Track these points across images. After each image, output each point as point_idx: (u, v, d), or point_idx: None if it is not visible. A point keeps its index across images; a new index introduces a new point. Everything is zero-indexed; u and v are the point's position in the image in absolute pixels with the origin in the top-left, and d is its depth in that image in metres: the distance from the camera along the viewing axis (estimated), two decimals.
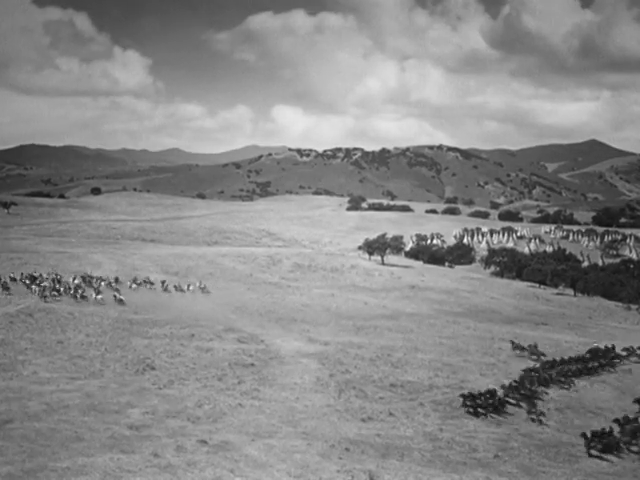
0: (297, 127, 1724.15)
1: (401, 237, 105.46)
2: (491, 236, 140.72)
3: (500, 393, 32.52)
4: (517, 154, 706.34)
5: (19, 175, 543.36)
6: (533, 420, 30.67)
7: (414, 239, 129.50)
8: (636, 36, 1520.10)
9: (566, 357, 40.98)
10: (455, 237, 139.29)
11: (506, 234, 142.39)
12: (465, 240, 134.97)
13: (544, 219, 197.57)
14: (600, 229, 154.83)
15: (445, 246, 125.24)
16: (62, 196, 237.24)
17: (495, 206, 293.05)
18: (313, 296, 65.80)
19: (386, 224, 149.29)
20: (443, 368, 40.05)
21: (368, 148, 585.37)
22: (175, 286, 59.65)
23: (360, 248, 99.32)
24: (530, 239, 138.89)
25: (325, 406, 30.56)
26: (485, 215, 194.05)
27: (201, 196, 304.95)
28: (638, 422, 29.50)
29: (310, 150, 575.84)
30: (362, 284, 77.10)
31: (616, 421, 29.75)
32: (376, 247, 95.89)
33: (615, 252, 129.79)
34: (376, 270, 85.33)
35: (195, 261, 79.93)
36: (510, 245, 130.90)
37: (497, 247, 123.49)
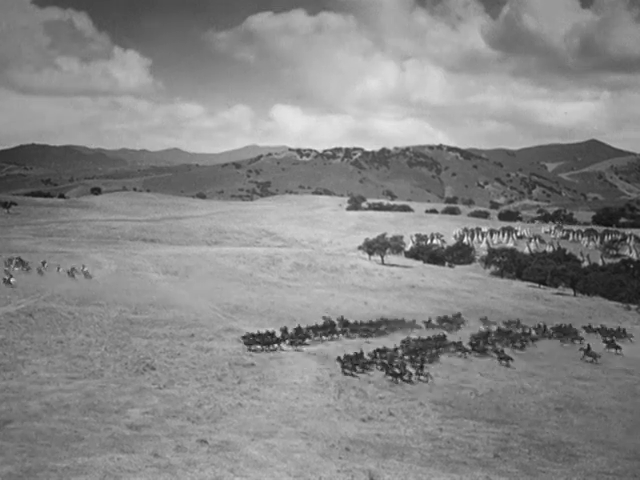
0: (297, 127, 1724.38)
1: (401, 237, 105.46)
2: (491, 236, 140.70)
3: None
4: (517, 154, 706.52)
5: (19, 175, 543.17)
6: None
7: (414, 239, 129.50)
8: (636, 36, 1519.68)
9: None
10: (455, 237, 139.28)
11: (506, 234, 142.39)
12: (465, 240, 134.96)
13: (544, 219, 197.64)
14: (600, 229, 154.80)
15: (445, 246, 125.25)
16: (62, 196, 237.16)
17: (495, 206, 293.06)
18: (313, 296, 65.78)
19: (386, 224, 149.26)
20: (443, 367, 40.02)
21: (368, 148, 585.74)
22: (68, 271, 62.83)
23: (360, 248, 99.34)
24: (530, 239, 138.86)
25: (325, 406, 30.56)
26: (485, 215, 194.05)
27: (201, 196, 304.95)
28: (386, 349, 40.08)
29: (310, 150, 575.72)
30: (362, 284, 77.09)
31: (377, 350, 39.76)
32: (376, 247, 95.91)
33: (615, 252, 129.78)
34: (376, 270, 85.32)
35: (195, 261, 79.94)
36: (510, 245, 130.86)
37: (497, 247, 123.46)
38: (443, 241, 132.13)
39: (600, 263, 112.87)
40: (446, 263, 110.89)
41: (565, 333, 52.05)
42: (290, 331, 44.34)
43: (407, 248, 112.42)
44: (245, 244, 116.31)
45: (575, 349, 47.75)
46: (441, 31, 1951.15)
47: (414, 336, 46.09)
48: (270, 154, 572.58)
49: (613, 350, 48.10)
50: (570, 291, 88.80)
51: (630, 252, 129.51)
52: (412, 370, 37.34)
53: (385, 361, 38.17)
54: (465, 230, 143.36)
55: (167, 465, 21.03)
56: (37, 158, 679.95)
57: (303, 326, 46.09)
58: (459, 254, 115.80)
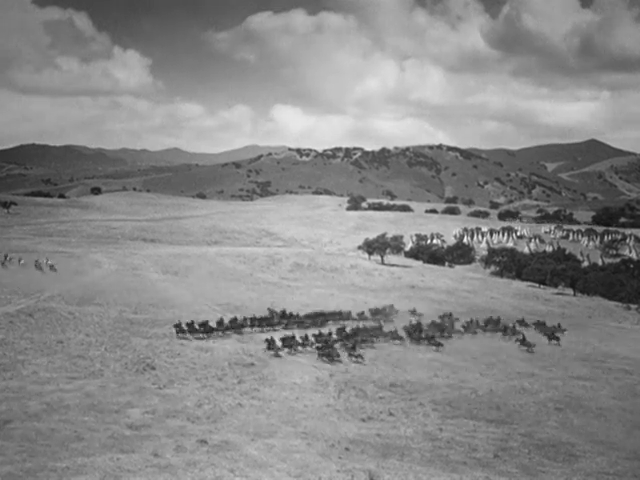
0: (297, 127, 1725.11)
1: (401, 237, 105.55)
2: (491, 236, 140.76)
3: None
4: (517, 154, 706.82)
5: (19, 175, 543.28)
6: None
7: (414, 239, 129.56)
8: (636, 36, 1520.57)
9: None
10: (455, 237, 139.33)
11: (506, 234, 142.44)
12: (465, 240, 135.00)
13: (544, 219, 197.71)
14: (600, 229, 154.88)
15: (445, 246, 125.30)
16: (62, 196, 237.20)
17: (495, 206, 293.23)
18: (313, 296, 65.77)
19: (386, 224, 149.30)
20: (443, 368, 40.07)
21: (368, 148, 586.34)
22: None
23: (360, 248, 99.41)
24: (530, 239, 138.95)
25: (325, 406, 30.57)
26: (485, 215, 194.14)
27: (201, 196, 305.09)
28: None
29: (310, 150, 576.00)
30: (362, 284, 77.10)
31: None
32: (376, 247, 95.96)
33: (615, 252, 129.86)
34: (376, 270, 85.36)
35: (195, 261, 79.99)
36: (510, 245, 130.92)
37: (497, 247, 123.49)
38: (443, 241, 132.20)
39: (600, 263, 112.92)
40: (446, 263, 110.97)
41: (495, 325, 54.56)
42: (226, 322, 45.94)
43: (407, 248, 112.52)
44: (245, 244, 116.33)
45: (509, 340, 50.01)
46: (441, 31, 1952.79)
47: (353, 326, 48.54)
48: (270, 154, 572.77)
49: (554, 341, 50.31)
50: (570, 291, 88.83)
51: (630, 252, 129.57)
52: (345, 352, 40.33)
53: (318, 344, 41.07)
54: (465, 230, 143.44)
55: (167, 465, 21.04)
56: (37, 158, 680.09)
57: (240, 317, 47.30)
58: (459, 254, 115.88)
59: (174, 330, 42.54)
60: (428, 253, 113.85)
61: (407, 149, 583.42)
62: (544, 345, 49.36)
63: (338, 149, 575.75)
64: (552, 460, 25.91)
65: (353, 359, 39.64)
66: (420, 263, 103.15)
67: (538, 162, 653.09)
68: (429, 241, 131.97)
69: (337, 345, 41.72)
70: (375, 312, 54.65)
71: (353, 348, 40.77)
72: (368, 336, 45.29)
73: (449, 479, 22.68)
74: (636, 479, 24.71)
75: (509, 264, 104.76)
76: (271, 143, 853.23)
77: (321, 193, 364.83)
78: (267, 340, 40.32)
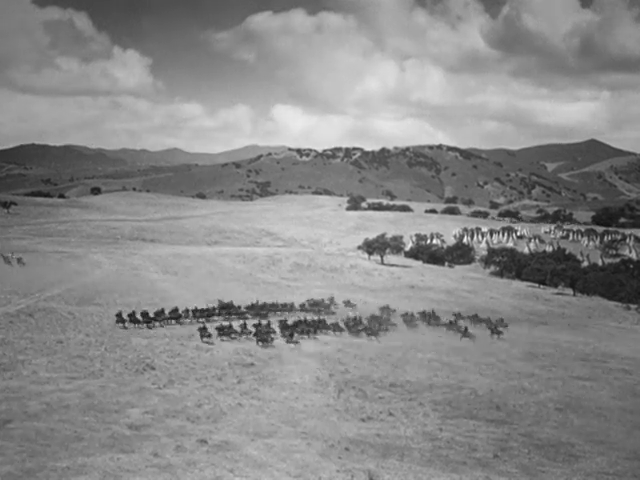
0: (297, 127, 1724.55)
1: (401, 237, 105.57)
2: (491, 236, 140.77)
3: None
4: (517, 154, 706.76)
5: (19, 175, 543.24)
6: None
7: (414, 239, 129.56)
8: (636, 36, 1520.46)
9: None
10: (455, 237, 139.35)
11: (506, 234, 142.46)
12: (465, 240, 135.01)
13: (544, 219, 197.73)
14: (600, 229, 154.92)
15: (445, 246, 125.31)
16: (62, 196, 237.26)
17: (495, 206, 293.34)
18: (312, 296, 65.74)
19: (386, 224, 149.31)
20: (443, 368, 40.09)
21: (368, 148, 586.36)
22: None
23: (360, 248, 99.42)
24: (530, 239, 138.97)
25: (325, 406, 30.57)
26: (485, 215, 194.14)
27: (201, 196, 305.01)
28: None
29: (310, 150, 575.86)
30: (362, 284, 77.13)
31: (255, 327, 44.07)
32: (376, 247, 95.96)
33: (615, 252, 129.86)
34: (376, 270, 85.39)
35: (195, 261, 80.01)
36: (510, 245, 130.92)
37: (497, 247, 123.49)
38: (443, 241, 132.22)
39: (600, 263, 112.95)
40: (446, 263, 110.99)
41: (435, 319, 56.70)
42: (167, 313, 47.23)
43: (407, 248, 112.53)
44: (245, 244, 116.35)
45: (453, 333, 52.20)
46: (441, 31, 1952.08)
47: (295, 318, 50.61)
48: (270, 154, 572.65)
49: (496, 336, 52.23)
50: (570, 291, 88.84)
51: (630, 252, 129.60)
52: (283, 340, 43.15)
53: (255, 330, 43.69)
54: (465, 230, 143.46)
55: (167, 465, 21.04)
56: (37, 158, 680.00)
57: (182, 309, 48.33)
58: (459, 254, 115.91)
59: (115, 319, 44.32)
60: (428, 253, 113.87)
61: (407, 149, 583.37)
62: (487, 338, 51.09)
63: (338, 149, 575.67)
64: (552, 460, 25.92)
65: (290, 345, 42.25)
66: (420, 263, 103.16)
67: (538, 162, 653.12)
68: (429, 241, 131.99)
69: (278, 335, 43.92)
70: (314, 304, 57.21)
71: (291, 336, 43.37)
72: (309, 327, 47.27)
73: (449, 479, 22.68)
74: (636, 479, 24.72)
75: (509, 264, 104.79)
76: (271, 143, 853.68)
77: (321, 193, 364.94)
78: (200, 329, 42.18)
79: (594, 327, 64.05)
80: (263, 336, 42.36)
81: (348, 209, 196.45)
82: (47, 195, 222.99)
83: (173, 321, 46.90)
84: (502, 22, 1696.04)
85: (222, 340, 42.04)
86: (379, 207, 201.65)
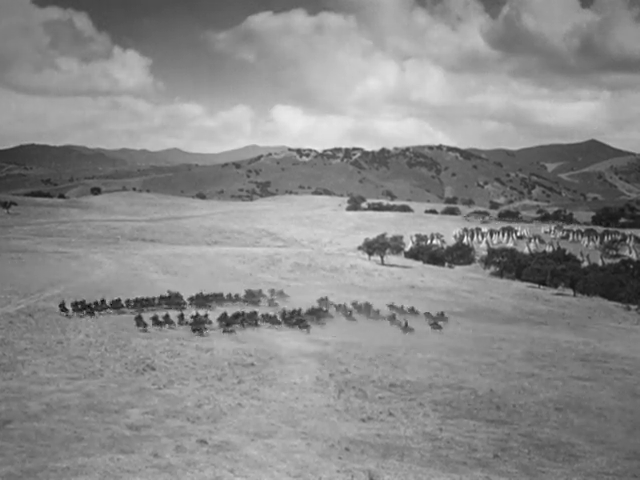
0: (297, 127, 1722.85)
1: (401, 237, 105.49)
2: (491, 236, 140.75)
3: None
4: (517, 154, 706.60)
5: (19, 175, 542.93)
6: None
7: (414, 239, 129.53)
8: (636, 36, 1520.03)
9: None
10: (455, 237, 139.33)
11: (506, 234, 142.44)
12: (465, 240, 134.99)
13: (544, 219, 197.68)
14: (600, 229, 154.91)
15: (445, 246, 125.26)
16: (62, 196, 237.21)
17: (495, 206, 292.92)
18: (312, 296, 65.68)
19: (386, 224, 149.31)
20: (443, 368, 40.08)
21: (368, 148, 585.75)
22: None
23: (360, 248, 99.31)
24: (530, 239, 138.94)
25: (325, 406, 30.57)
26: (485, 215, 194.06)
27: (201, 196, 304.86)
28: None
29: (310, 150, 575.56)
30: (362, 284, 77.10)
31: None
32: (376, 247, 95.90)
33: (615, 252, 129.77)
34: (376, 270, 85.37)
35: (195, 261, 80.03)
36: (510, 245, 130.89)
37: (497, 247, 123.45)
38: (443, 241, 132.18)
39: (600, 263, 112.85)
40: (446, 263, 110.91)
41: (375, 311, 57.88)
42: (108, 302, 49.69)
43: (407, 248, 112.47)
44: (245, 244, 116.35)
45: (393, 325, 53.44)
46: (441, 31, 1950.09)
47: (236, 309, 52.22)
48: (270, 154, 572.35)
49: (437, 330, 53.57)
50: (570, 291, 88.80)
51: (630, 252, 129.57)
52: (220, 330, 45.57)
53: (191, 320, 46.10)
54: (465, 230, 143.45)
55: (167, 465, 21.04)
56: (37, 158, 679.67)
57: (124, 299, 50.39)
58: (459, 254, 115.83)
59: (58, 309, 46.67)
60: (428, 253, 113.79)
61: (407, 149, 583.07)
62: (428, 331, 52.67)
63: (338, 149, 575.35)
64: (552, 460, 25.92)
65: (226, 333, 44.94)
66: (420, 263, 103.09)
67: (538, 162, 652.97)
68: (429, 241, 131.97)
69: (216, 325, 46.57)
70: (249, 294, 59.37)
71: (227, 324, 46.15)
72: (248, 319, 49.17)
73: (449, 479, 22.68)
74: (636, 479, 24.72)
75: (509, 264, 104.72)
76: (271, 143, 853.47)
77: (321, 193, 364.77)
78: (136, 317, 44.95)
79: (594, 327, 64.05)
80: (198, 326, 44.72)
81: (348, 209, 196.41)
82: (47, 195, 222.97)
83: (113, 310, 49.06)
84: (502, 22, 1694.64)
85: (159, 330, 44.07)
86: (379, 207, 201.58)
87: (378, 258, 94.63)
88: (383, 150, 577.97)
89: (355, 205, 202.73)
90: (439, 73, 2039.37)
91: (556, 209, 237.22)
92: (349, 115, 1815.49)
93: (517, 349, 47.93)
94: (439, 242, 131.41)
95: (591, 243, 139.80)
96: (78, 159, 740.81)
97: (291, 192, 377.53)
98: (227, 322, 46.56)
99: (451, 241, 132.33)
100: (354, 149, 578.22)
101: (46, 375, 31.59)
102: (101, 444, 22.75)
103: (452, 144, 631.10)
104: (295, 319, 50.29)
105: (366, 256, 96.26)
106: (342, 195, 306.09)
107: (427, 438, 27.19)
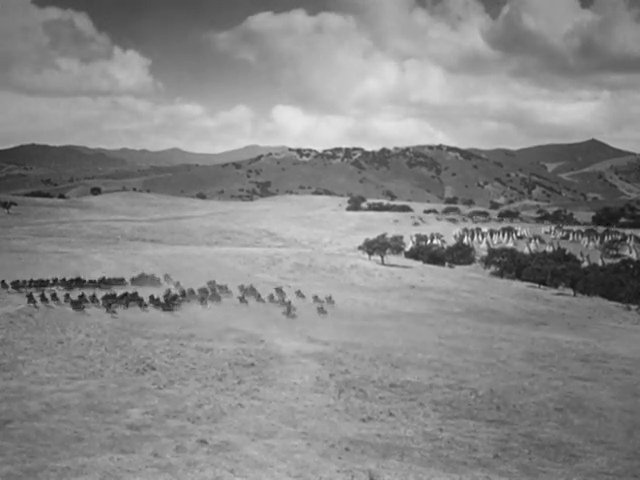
0: (297, 127, 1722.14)
1: (401, 237, 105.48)
2: (491, 236, 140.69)
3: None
4: (517, 154, 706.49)
5: (19, 175, 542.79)
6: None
7: (414, 239, 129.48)
8: (636, 36, 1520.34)
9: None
10: (455, 237, 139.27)
11: (506, 234, 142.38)
12: (465, 240, 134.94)
13: (544, 219, 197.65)
14: (600, 229, 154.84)
15: (445, 246, 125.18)
16: (62, 196, 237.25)
17: (495, 206, 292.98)
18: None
19: (386, 224, 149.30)
20: (443, 368, 40.07)
21: (368, 148, 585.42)
22: None
23: (360, 248, 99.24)
24: (530, 239, 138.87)
25: (325, 406, 30.57)
26: (485, 215, 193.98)
27: (201, 196, 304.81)
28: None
29: (310, 150, 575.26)
30: (362, 284, 77.09)
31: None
32: (376, 247, 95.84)
33: (615, 252, 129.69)
34: (376, 270, 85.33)
35: (195, 261, 79.94)
36: (510, 245, 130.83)
37: (497, 247, 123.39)
38: (443, 241, 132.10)
39: (600, 263, 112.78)
40: (446, 263, 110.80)
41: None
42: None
43: (407, 248, 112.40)
44: (245, 244, 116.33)
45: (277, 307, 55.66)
46: (441, 31, 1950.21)
47: (122, 292, 54.73)
48: (270, 154, 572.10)
49: (322, 315, 55.30)
50: (570, 291, 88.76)
51: (630, 252, 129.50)
52: (104, 308, 49.44)
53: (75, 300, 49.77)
54: (465, 230, 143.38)
55: (167, 465, 21.04)
56: (37, 158, 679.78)
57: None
58: (459, 254, 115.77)
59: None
60: (428, 253, 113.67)
61: (407, 149, 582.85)
62: (315, 316, 54.40)
63: (338, 149, 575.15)
64: (552, 460, 25.91)
65: (109, 314, 48.18)
66: (420, 263, 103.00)
67: (538, 162, 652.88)
68: (429, 241, 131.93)
69: (100, 304, 50.68)
70: (138, 278, 62.43)
71: (109, 305, 49.70)
72: (130, 300, 52.24)
73: (449, 479, 22.68)
74: (636, 479, 24.71)
75: (509, 264, 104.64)
76: (271, 143, 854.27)
77: (321, 193, 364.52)
78: (27, 295, 49.01)
79: (594, 327, 64.03)
80: (77, 305, 48.74)
81: (348, 209, 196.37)
82: (47, 195, 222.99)
83: (35, 289, 53.20)
84: (502, 22, 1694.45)
85: (45, 306, 47.88)
86: (379, 207, 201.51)
87: (378, 258, 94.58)
88: (383, 150, 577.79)
89: (355, 205, 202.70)
90: (439, 73, 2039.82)
91: (556, 209, 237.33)
92: (349, 115, 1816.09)
93: (517, 349, 47.91)
94: (439, 242, 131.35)
95: (591, 243, 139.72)
96: (78, 159, 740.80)
97: (291, 192, 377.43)
98: (110, 302, 50.35)
99: (451, 241, 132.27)
100: (354, 149, 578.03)
101: (46, 375, 31.59)
102: (101, 444, 22.76)
103: (452, 144, 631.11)
104: (165, 300, 53.44)
105: (366, 256, 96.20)
106: (342, 195, 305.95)
107: (427, 438, 27.18)
